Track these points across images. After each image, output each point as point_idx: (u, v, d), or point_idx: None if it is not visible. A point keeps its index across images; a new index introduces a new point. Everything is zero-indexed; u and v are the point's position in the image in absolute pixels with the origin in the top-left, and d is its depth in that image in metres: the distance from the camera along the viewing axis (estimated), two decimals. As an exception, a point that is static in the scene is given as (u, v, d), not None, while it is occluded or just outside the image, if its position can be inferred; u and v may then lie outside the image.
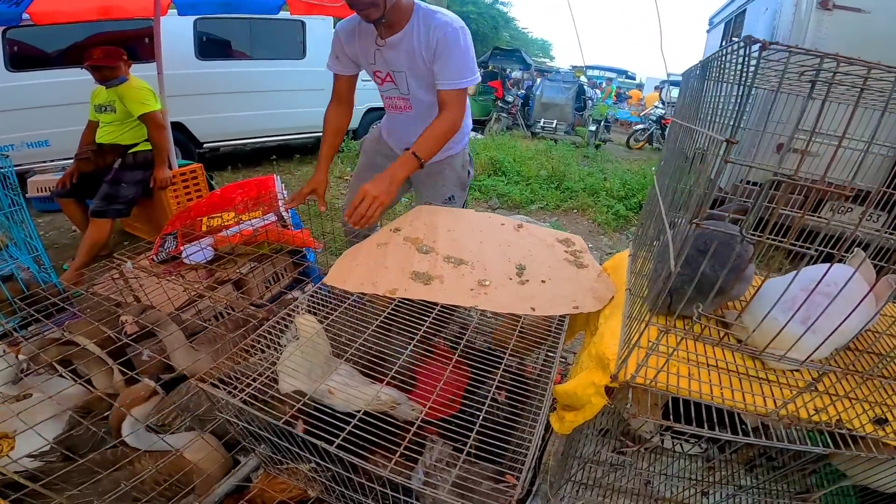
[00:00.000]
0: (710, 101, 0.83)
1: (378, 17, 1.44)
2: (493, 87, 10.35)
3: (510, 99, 9.96)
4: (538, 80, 10.94)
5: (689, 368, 0.84)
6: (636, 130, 10.01)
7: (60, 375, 1.19)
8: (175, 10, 3.49)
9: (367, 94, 3.63)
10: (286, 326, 1.02)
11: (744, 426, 0.92)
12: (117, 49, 2.68)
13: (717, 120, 0.75)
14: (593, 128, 8.91)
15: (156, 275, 1.48)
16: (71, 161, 2.86)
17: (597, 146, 8.59)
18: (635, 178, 5.48)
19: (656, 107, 10.59)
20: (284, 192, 2.00)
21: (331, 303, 1.11)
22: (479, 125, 9.60)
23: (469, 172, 1.89)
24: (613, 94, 14.89)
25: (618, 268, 1.36)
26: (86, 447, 1.11)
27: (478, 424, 0.82)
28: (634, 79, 21.37)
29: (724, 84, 0.75)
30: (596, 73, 19.11)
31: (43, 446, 1.03)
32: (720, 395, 0.80)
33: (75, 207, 2.79)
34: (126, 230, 3.41)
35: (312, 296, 1.12)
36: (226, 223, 1.78)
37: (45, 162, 3.99)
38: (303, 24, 5.26)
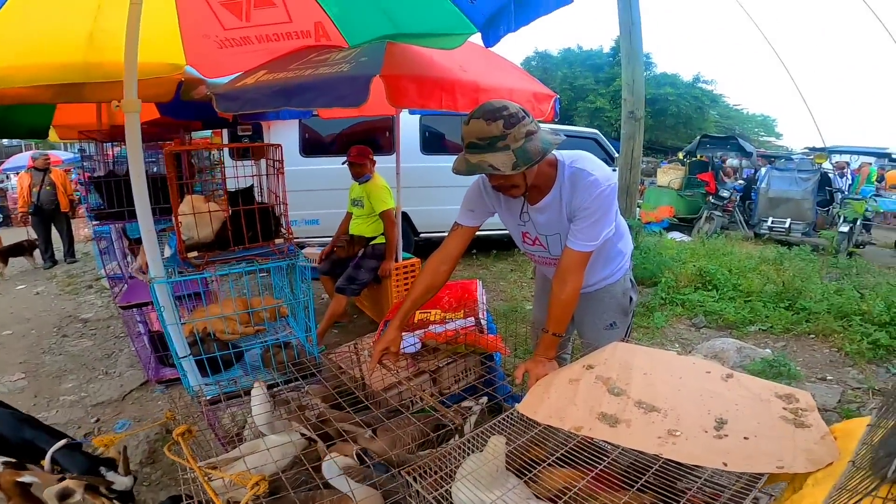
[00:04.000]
0: None
1: (522, 193, 1.44)
2: (702, 179, 9.44)
3: (725, 193, 8.87)
4: (763, 167, 9.60)
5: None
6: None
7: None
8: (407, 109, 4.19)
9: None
10: (479, 442, 1.15)
11: None
12: (366, 149, 3.37)
13: None
14: (845, 228, 7.16)
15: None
16: (330, 238, 3.71)
17: (850, 253, 6.90)
18: (911, 297, 4.20)
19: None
20: (484, 296, 2.23)
21: (521, 426, 1.20)
22: (686, 224, 8.82)
23: (631, 299, 1.79)
24: (873, 179, 11.80)
25: (850, 434, 1.13)
26: (286, 490, 1.28)
27: None
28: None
29: None
30: (845, 157, 15.24)
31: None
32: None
33: (330, 283, 3.62)
34: (356, 305, 4.19)
35: (504, 419, 1.23)
36: (433, 320, 2.08)
37: (313, 238, 4.95)
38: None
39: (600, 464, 1.09)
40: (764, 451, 1.08)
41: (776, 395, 1.34)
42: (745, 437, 1.13)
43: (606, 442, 1.13)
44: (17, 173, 10.44)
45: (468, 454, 1.13)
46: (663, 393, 1.27)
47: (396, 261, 3.54)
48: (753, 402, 1.29)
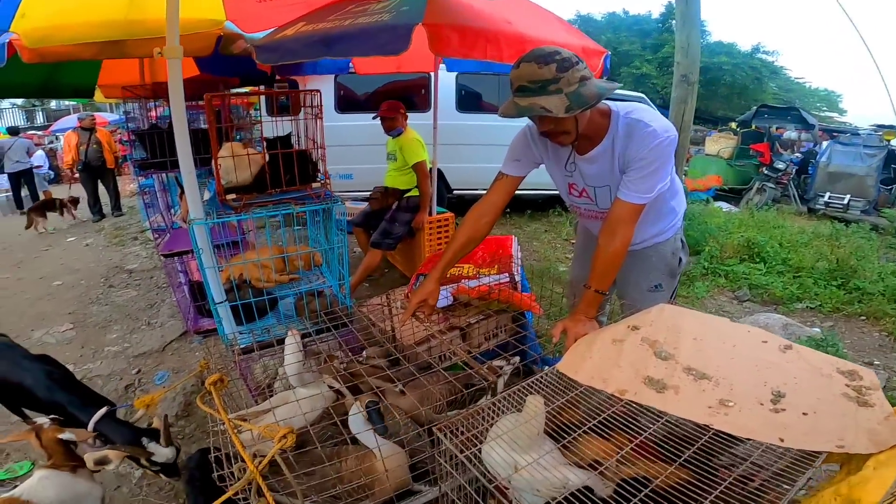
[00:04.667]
0: None
1: (572, 141, 1.38)
2: (757, 150, 8.89)
3: (781, 165, 8.28)
4: (824, 142, 8.93)
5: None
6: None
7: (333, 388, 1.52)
8: (444, 66, 3.91)
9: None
10: (517, 400, 1.11)
11: None
12: (398, 103, 3.35)
13: None
14: (908, 208, 6.72)
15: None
16: (365, 193, 3.72)
17: (910, 234, 6.40)
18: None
19: None
20: (519, 253, 2.16)
21: (558, 387, 1.15)
22: (733, 195, 8.36)
23: (681, 260, 1.69)
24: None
25: (918, 414, 1.06)
26: (311, 444, 1.26)
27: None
28: None
29: None
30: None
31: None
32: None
33: (363, 235, 3.64)
34: (388, 259, 4.19)
35: (540, 379, 1.18)
36: (465, 274, 2.03)
37: (347, 192, 4.95)
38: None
39: (636, 432, 1.04)
40: (824, 428, 1.01)
41: (838, 370, 1.25)
42: (803, 413, 1.06)
43: (652, 409, 1.07)
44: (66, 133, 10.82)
45: (500, 414, 1.10)
46: (715, 360, 1.19)
47: (430, 214, 3.51)
48: (814, 376, 1.20)
